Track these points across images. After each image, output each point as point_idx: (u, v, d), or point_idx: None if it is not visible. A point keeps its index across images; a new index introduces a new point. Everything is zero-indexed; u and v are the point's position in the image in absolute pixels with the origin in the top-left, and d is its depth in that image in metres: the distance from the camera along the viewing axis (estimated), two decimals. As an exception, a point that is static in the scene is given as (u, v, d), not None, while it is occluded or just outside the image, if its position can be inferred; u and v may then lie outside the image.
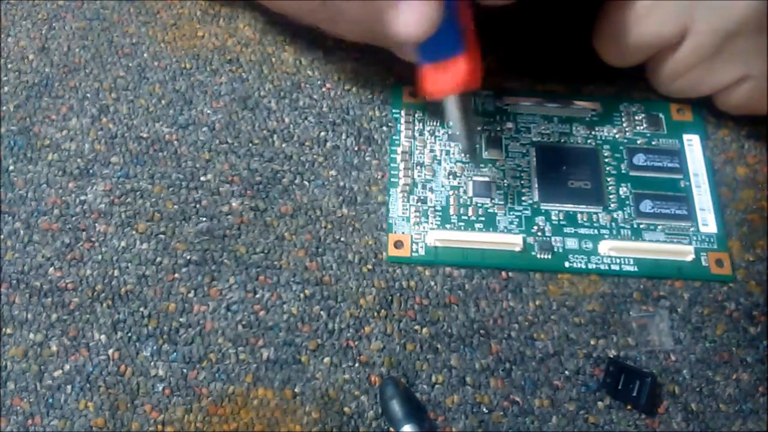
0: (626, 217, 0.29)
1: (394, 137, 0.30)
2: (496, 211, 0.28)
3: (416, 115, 0.31)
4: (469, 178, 0.29)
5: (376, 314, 0.27)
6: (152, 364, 0.25)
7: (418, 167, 0.29)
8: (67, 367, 0.25)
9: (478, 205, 0.29)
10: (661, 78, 0.30)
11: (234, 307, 0.26)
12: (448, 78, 0.25)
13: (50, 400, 0.25)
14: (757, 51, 0.26)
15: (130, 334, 0.26)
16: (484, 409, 0.25)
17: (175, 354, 0.26)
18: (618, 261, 0.28)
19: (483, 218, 0.28)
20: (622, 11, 0.27)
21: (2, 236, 0.27)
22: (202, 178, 0.29)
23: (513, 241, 0.28)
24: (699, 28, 0.26)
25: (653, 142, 0.30)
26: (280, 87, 0.31)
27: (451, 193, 0.29)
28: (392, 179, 0.29)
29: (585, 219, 0.28)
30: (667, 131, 0.31)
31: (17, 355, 0.25)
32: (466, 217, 0.28)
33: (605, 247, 0.28)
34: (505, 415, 0.25)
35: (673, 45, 0.28)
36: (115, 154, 0.29)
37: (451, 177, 0.29)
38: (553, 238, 0.28)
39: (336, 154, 0.30)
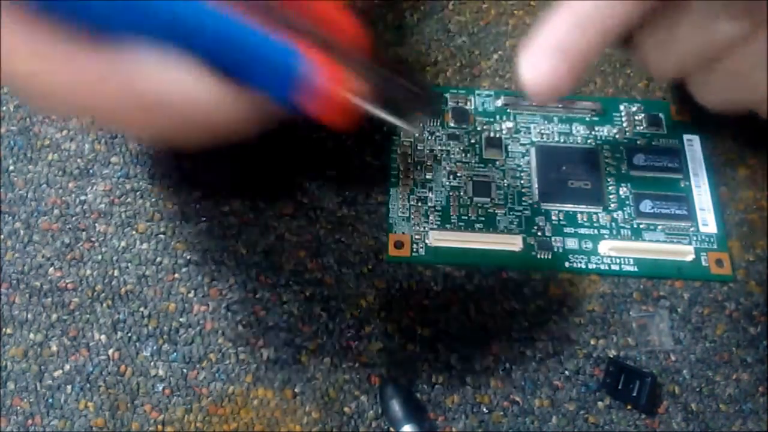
0: (626, 217, 0.29)
1: (394, 137, 0.30)
2: (496, 211, 0.28)
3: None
4: (470, 178, 0.29)
5: (376, 314, 0.27)
6: (152, 364, 0.25)
7: (418, 167, 0.29)
8: (67, 367, 0.25)
9: (478, 205, 0.29)
10: (711, 87, 0.25)
11: (234, 307, 0.26)
12: (321, 92, 0.19)
13: (50, 400, 0.25)
14: None
15: (130, 334, 0.26)
16: (484, 409, 0.25)
17: (175, 354, 0.26)
18: (618, 261, 0.28)
19: (483, 218, 0.28)
20: (682, 10, 0.23)
21: (2, 236, 0.27)
22: (203, 178, 0.29)
23: (513, 241, 0.28)
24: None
25: (653, 142, 0.30)
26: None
27: (451, 193, 0.29)
28: (392, 179, 0.29)
29: (585, 219, 0.28)
30: (667, 131, 0.31)
31: (17, 355, 0.25)
32: (466, 217, 0.28)
33: (605, 247, 0.28)
34: (505, 415, 0.25)
35: (735, 47, 0.23)
36: (115, 154, 0.29)
37: (451, 177, 0.29)
38: (553, 238, 0.28)
39: (336, 155, 0.30)
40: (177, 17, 0.18)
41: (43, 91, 0.19)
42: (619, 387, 0.25)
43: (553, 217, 0.28)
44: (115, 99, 0.18)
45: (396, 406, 0.24)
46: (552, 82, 0.23)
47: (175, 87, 0.18)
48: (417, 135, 0.24)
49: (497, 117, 0.31)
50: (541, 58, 0.23)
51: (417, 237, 0.28)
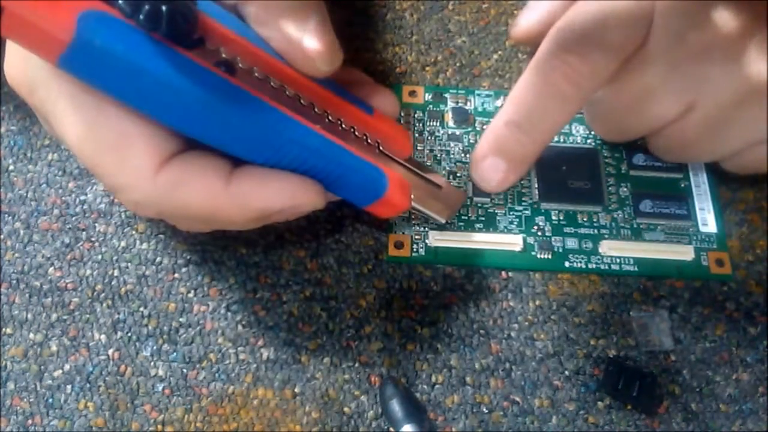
0: (626, 216, 0.29)
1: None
2: (496, 211, 0.28)
3: (416, 115, 0.31)
4: (470, 178, 0.29)
5: (376, 314, 0.27)
6: (152, 364, 0.25)
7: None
8: (67, 367, 0.25)
9: (478, 205, 0.29)
10: (662, 150, 0.28)
11: (234, 307, 0.26)
12: (395, 203, 0.24)
13: (50, 400, 0.25)
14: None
15: (130, 334, 0.26)
16: (484, 409, 0.25)
17: (175, 354, 0.26)
18: (618, 261, 0.28)
19: (483, 218, 0.28)
20: (620, 94, 0.26)
21: (2, 236, 0.27)
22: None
23: (513, 241, 0.28)
24: (705, 102, 0.25)
25: (653, 142, 0.30)
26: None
27: (451, 193, 0.29)
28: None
29: (585, 219, 0.28)
30: (667, 131, 0.31)
31: (17, 355, 0.25)
32: (466, 217, 0.28)
33: (605, 247, 0.28)
34: (505, 415, 0.25)
35: (676, 120, 0.26)
36: (115, 154, 0.29)
37: (451, 177, 0.29)
38: (553, 238, 0.28)
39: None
40: (300, 146, 0.22)
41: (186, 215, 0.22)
42: (619, 387, 0.25)
43: (553, 217, 0.28)
44: (235, 217, 0.22)
45: (396, 406, 0.24)
46: (499, 182, 0.26)
47: (282, 200, 0.22)
48: (444, 222, 0.27)
49: (497, 117, 0.31)
50: (486, 163, 0.26)
51: (417, 237, 0.28)
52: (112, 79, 0.19)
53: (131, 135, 0.21)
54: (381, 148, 0.25)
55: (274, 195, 0.22)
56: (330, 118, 0.24)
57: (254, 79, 0.22)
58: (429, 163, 0.29)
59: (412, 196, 0.25)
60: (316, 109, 0.23)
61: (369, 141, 0.25)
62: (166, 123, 0.20)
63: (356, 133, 0.24)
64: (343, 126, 0.24)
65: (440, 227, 0.28)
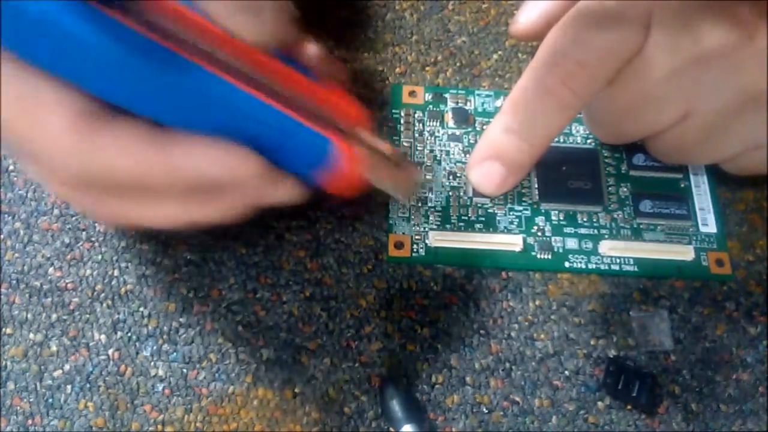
0: (626, 216, 0.29)
1: (394, 137, 0.30)
2: (496, 211, 0.28)
3: (416, 115, 0.31)
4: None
5: (376, 314, 0.27)
6: (152, 364, 0.25)
7: (418, 168, 0.29)
8: (67, 367, 0.25)
9: (478, 205, 0.29)
10: (660, 152, 0.28)
11: (234, 307, 0.27)
12: (345, 173, 0.23)
13: (50, 400, 0.25)
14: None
15: (130, 334, 0.26)
16: (484, 409, 0.25)
17: (175, 354, 0.26)
18: (618, 261, 0.28)
19: (483, 218, 0.28)
20: (617, 100, 0.26)
21: (2, 236, 0.27)
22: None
23: (513, 241, 0.28)
24: (703, 108, 0.25)
25: (653, 142, 0.30)
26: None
27: (451, 193, 0.29)
28: (392, 179, 0.29)
29: (585, 219, 0.28)
30: (667, 131, 0.31)
31: (17, 355, 0.25)
32: (466, 218, 0.28)
33: (605, 247, 0.28)
34: (505, 415, 0.25)
35: (673, 125, 0.26)
36: (115, 154, 0.29)
37: (451, 177, 0.29)
38: (553, 238, 0.28)
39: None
40: (233, 111, 0.20)
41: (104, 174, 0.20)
42: (619, 387, 0.25)
43: (553, 217, 0.28)
44: (164, 180, 0.20)
45: (396, 406, 0.24)
46: (497, 186, 0.26)
47: (214, 164, 0.20)
48: (407, 203, 0.27)
49: (497, 117, 0.31)
50: (484, 167, 0.26)
51: (417, 237, 0.28)
52: (23, 37, 0.18)
53: (41, 91, 0.19)
54: (328, 116, 0.23)
55: (206, 156, 0.20)
56: (272, 85, 0.22)
57: (182, 40, 0.20)
58: (428, 163, 0.29)
59: (367, 169, 0.23)
60: (256, 76, 0.21)
61: (317, 112, 0.23)
62: (83, 85, 0.19)
63: (302, 102, 0.22)
64: (286, 93, 0.22)
65: (440, 227, 0.28)
